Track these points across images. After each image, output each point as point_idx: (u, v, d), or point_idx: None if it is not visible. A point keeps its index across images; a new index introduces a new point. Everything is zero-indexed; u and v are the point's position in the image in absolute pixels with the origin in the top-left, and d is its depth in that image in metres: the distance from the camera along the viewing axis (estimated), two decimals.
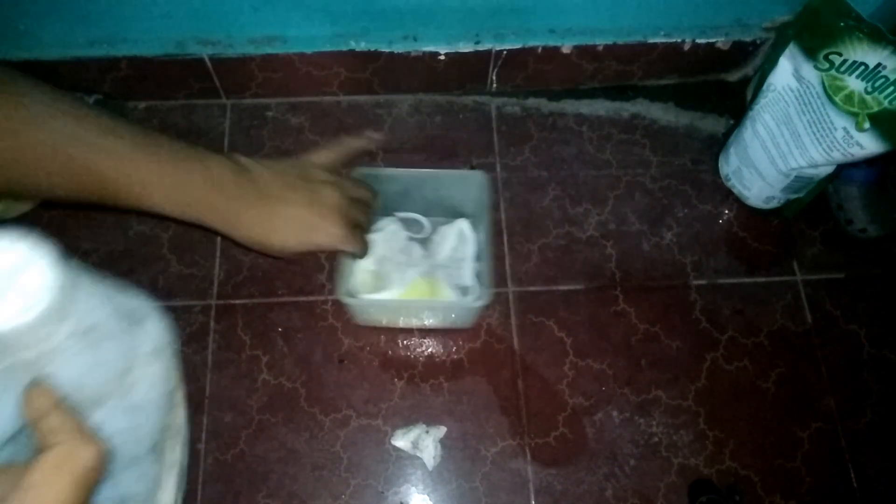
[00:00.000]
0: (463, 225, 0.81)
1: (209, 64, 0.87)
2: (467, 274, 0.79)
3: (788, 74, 0.76)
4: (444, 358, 0.81)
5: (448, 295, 0.75)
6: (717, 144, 0.94)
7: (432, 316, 0.78)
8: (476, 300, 0.72)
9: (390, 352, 0.81)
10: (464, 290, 0.79)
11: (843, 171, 0.83)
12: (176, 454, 0.37)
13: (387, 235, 0.81)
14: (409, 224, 0.84)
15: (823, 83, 0.71)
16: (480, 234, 0.79)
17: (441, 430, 0.77)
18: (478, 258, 0.80)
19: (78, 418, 0.27)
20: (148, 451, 0.33)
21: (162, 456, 0.36)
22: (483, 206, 0.75)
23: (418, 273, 0.75)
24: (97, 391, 0.30)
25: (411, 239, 0.84)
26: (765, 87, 0.79)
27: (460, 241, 0.81)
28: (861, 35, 0.65)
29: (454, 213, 0.83)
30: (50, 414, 0.26)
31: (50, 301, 0.26)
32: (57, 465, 0.25)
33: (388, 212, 0.84)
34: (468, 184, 0.76)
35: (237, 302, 0.83)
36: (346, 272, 0.73)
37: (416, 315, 0.79)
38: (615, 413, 0.79)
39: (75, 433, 0.26)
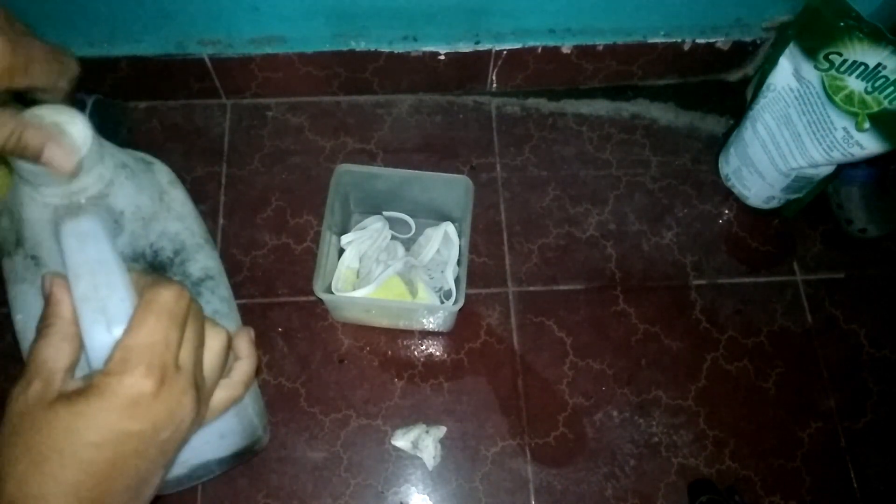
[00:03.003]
0: (448, 228, 0.81)
1: (209, 64, 0.87)
2: (449, 277, 0.79)
3: (788, 74, 0.76)
4: (444, 358, 0.81)
5: (428, 297, 0.75)
6: (717, 144, 0.94)
7: (407, 317, 0.78)
8: (453, 304, 0.71)
9: (390, 352, 0.81)
10: (446, 294, 0.79)
11: (843, 171, 0.82)
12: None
13: (371, 233, 0.81)
14: (395, 224, 0.84)
15: (823, 83, 0.71)
16: (463, 238, 0.79)
17: (441, 430, 0.77)
18: (458, 262, 0.80)
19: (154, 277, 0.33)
20: (205, 241, 0.40)
21: (216, 251, 0.43)
22: (468, 210, 0.75)
23: (394, 272, 0.75)
24: (150, 209, 0.38)
25: (395, 238, 0.84)
26: (765, 87, 0.79)
27: (445, 243, 0.81)
28: (861, 35, 0.65)
29: (440, 216, 0.83)
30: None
31: (92, 140, 0.34)
32: (146, 305, 0.29)
33: (375, 210, 0.84)
34: (455, 188, 0.76)
35: (237, 302, 0.82)
36: (325, 268, 0.73)
37: (391, 315, 0.79)
38: (615, 413, 0.79)
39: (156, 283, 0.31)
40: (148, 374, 0.28)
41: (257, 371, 0.39)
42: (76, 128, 0.35)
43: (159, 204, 0.39)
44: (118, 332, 0.30)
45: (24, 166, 0.34)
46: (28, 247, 0.36)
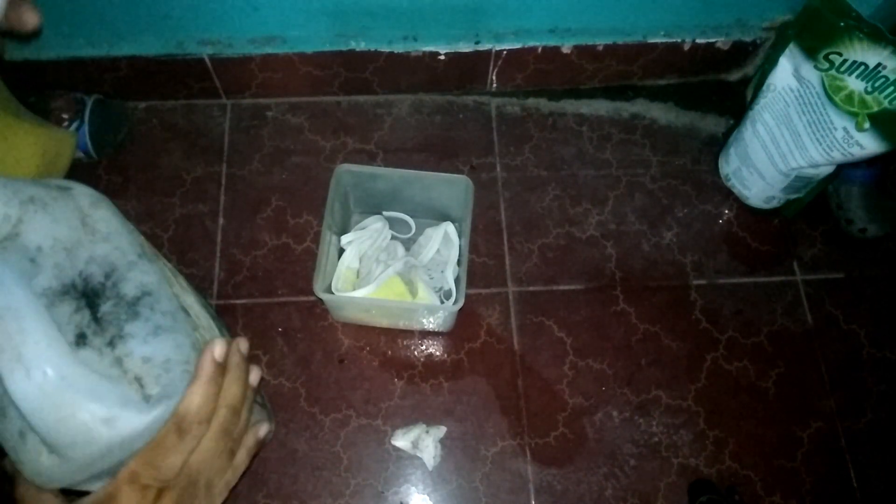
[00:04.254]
0: (448, 228, 0.81)
1: (209, 64, 0.87)
2: (449, 277, 0.79)
3: (788, 74, 0.76)
4: (444, 358, 0.81)
5: (428, 297, 0.75)
6: (717, 144, 0.94)
7: (407, 317, 0.78)
8: (453, 304, 0.71)
9: (390, 352, 0.81)
10: (446, 294, 0.79)
11: (843, 171, 0.83)
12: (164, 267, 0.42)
13: (371, 233, 0.81)
14: (395, 224, 0.84)
15: (823, 83, 0.71)
16: (463, 238, 0.79)
17: (441, 430, 0.77)
18: (458, 262, 0.80)
19: None
20: (138, 257, 0.39)
21: (155, 264, 0.41)
22: (468, 210, 0.75)
23: (394, 272, 0.75)
24: (71, 238, 0.37)
25: (395, 238, 0.84)
26: (765, 87, 0.79)
27: (445, 243, 0.81)
28: (861, 35, 0.65)
29: (441, 216, 0.83)
30: None
31: None
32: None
33: (375, 210, 0.84)
34: (455, 188, 0.76)
35: (237, 302, 0.83)
36: (325, 268, 0.73)
37: (391, 315, 0.79)
38: (615, 413, 0.79)
39: None
40: (148, 491, 0.36)
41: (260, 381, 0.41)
42: None
43: (81, 230, 0.38)
44: (37, 376, 0.31)
45: None
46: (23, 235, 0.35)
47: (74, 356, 0.33)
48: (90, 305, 0.36)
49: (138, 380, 0.35)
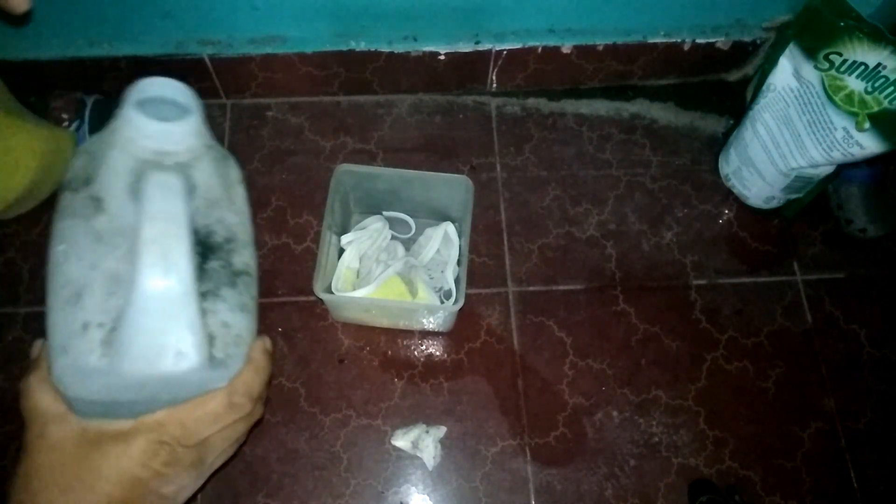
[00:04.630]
0: (448, 228, 0.81)
1: (209, 64, 0.87)
2: (449, 277, 0.79)
3: (788, 74, 0.76)
4: (444, 358, 0.81)
5: (428, 297, 0.75)
6: (717, 144, 0.94)
7: (407, 317, 0.78)
8: (453, 304, 0.71)
9: (390, 352, 0.81)
10: (446, 294, 0.79)
11: (843, 171, 0.83)
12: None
13: (371, 233, 0.81)
14: (395, 223, 0.84)
15: (823, 83, 0.71)
16: (463, 238, 0.79)
17: (441, 430, 0.77)
18: (458, 262, 0.80)
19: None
20: (250, 241, 0.43)
21: (255, 256, 0.44)
22: (468, 210, 0.75)
23: (394, 272, 0.75)
24: (217, 195, 0.41)
25: (395, 238, 0.84)
26: (765, 87, 0.79)
27: (445, 243, 0.81)
28: (861, 35, 0.65)
29: (441, 216, 0.83)
30: None
31: (198, 111, 0.40)
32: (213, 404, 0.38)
33: (375, 210, 0.84)
34: (455, 187, 0.76)
35: None
36: (325, 268, 0.73)
37: (391, 315, 0.79)
38: (615, 413, 0.79)
39: None
40: (163, 448, 0.36)
41: (270, 379, 0.42)
42: (182, 95, 0.40)
43: (225, 194, 0.42)
44: (171, 279, 0.34)
45: (149, 124, 0.38)
46: (95, 188, 0.38)
47: (197, 282, 0.36)
48: (202, 255, 0.39)
49: (212, 338, 0.37)
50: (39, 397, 0.36)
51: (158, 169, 0.37)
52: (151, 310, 0.34)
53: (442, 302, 0.78)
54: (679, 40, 0.90)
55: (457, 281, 0.78)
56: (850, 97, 0.68)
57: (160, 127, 0.38)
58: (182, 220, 0.35)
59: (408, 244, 0.84)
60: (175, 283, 0.34)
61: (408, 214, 0.85)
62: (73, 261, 0.37)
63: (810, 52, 0.71)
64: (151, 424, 0.36)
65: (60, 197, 0.39)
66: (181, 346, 0.35)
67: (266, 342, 0.41)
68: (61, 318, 0.36)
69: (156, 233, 0.34)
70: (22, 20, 0.50)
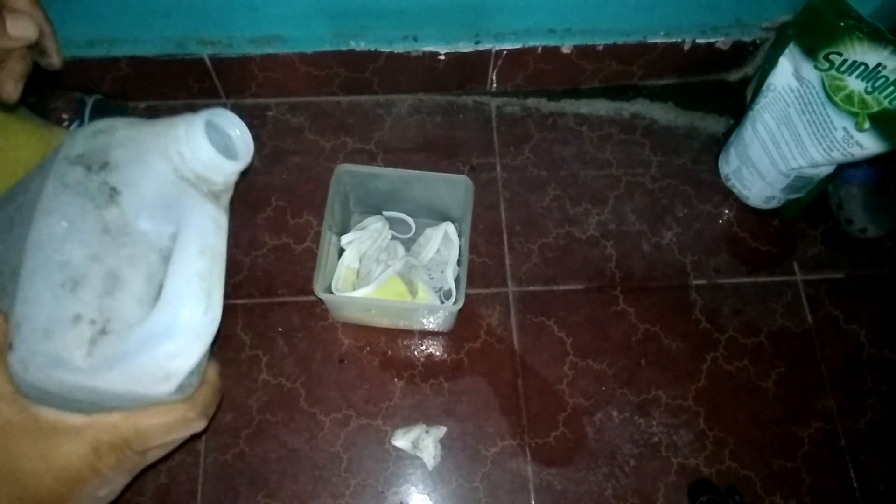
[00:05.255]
0: (448, 228, 0.81)
1: (209, 64, 0.87)
2: (449, 277, 0.79)
3: (788, 74, 0.76)
4: (444, 358, 0.81)
5: (428, 297, 0.75)
6: (717, 144, 0.94)
7: (407, 317, 0.78)
8: (453, 304, 0.71)
9: (390, 352, 0.81)
10: (446, 294, 0.79)
11: (843, 171, 0.83)
12: None
13: (371, 233, 0.81)
14: (395, 224, 0.84)
15: (823, 83, 0.71)
16: (463, 238, 0.79)
17: (441, 430, 0.77)
18: (458, 262, 0.80)
19: None
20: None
21: None
22: (468, 210, 0.75)
23: (395, 272, 0.75)
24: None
25: (395, 238, 0.84)
26: (765, 87, 0.79)
27: (445, 243, 0.81)
28: (861, 35, 0.65)
29: (441, 216, 0.83)
30: None
31: (251, 156, 0.40)
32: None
33: (375, 210, 0.84)
34: (455, 188, 0.76)
35: (237, 302, 0.83)
36: (325, 268, 0.73)
37: (391, 315, 0.79)
38: (615, 413, 0.79)
39: None
40: (113, 451, 0.35)
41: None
42: (243, 140, 0.40)
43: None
44: (208, 318, 0.34)
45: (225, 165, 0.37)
46: (115, 178, 0.36)
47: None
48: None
49: None
50: None
51: (209, 200, 0.37)
52: (170, 336, 0.34)
53: (442, 302, 0.78)
54: (679, 40, 0.90)
55: (457, 281, 0.78)
56: (850, 97, 0.68)
57: (219, 160, 0.37)
58: (224, 260, 0.36)
59: (408, 244, 0.84)
60: (209, 321, 0.34)
61: (408, 214, 0.85)
62: (76, 245, 0.35)
63: (810, 52, 0.71)
64: (106, 425, 0.35)
65: (63, 166, 0.37)
66: (176, 372, 0.35)
67: (217, 365, 0.40)
68: (51, 300, 0.34)
69: (204, 268, 0.34)
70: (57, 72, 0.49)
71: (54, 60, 0.43)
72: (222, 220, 0.37)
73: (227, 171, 0.39)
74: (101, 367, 0.34)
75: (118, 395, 0.35)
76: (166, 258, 0.37)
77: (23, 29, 0.42)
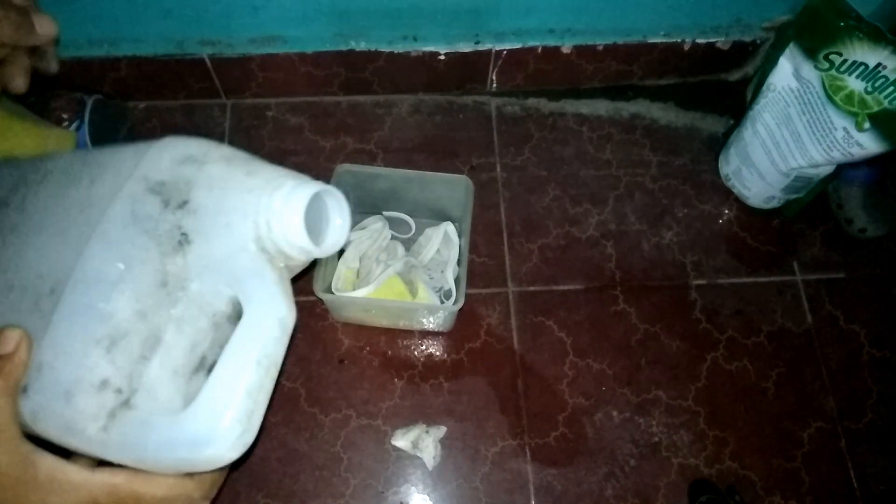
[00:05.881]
0: (448, 228, 0.81)
1: (209, 64, 0.87)
2: (449, 277, 0.79)
3: (788, 74, 0.76)
4: (444, 358, 0.81)
5: (428, 297, 0.75)
6: (717, 144, 0.94)
7: (407, 317, 0.78)
8: (453, 304, 0.71)
9: (390, 352, 0.81)
10: (446, 294, 0.79)
11: (843, 171, 0.83)
12: None
13: (371, 233, 0.81)
14: (395, 223, 0.84)
15: (823, 83, 0.71)
16: (463, 238, 0.79)
17: (441, 430, 0.77)
18: (458, 262, 0.80)
19: None
20: None
21: None
22: (468, 210, 0.75)
23: (394, 272, 0.75)
24: None
25: (395, 238, 0.84)
26: (765, 87, 0.79)
27: (445, 243, 0.81)
28: (861, 35, 0.65)
29: (441, 216, 0.83)
30: None
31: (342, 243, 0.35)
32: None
33: (375, 210, 0.84)
34: (455, 188, 0.76)
35: None
36: (326, 268, 0.72)
37: (391, 315, 0.79)
38: (615, 413, 0.79)
39: None
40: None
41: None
42: (341, 230, 0.35)
43: None
44: (244, 440, 0.29)
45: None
46: (189, 223, 0.31)
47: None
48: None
49: None
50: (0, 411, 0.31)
51: (282, 290, 0.31)
52: (195, 447, 0.29)
53: (442, 302, 0.78)
54: (679, 40, 0.90)
55: (457, 281, 0.78)
56: (850, 97, 0.68)
57: (309, 246, 0.32)
58: (277, 372, 0.31)
59: (408, 244, 0.84)
60: (243, 444, 0.29)
61: (408, 214, 0.85)
62: (127, 296, 0.30)
63: (810, 52, 0.71)
64: (105, 486, 0.32)
65: (140, 190, 0.32)
66: (189, 472, 0.32)
67: None
68: (82, 356, 0.30)
69: (255, 382, 0.30)
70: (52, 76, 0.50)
71: (52, 65, 0.44)
72: (289, 322, 0.31)
73: (311, 255, 0.33)
74: (113, 445, 0.30)
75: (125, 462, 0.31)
76: (218, 325, 0.32)
77: (49, 27, 0.44)
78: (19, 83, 0.42)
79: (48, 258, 0.32)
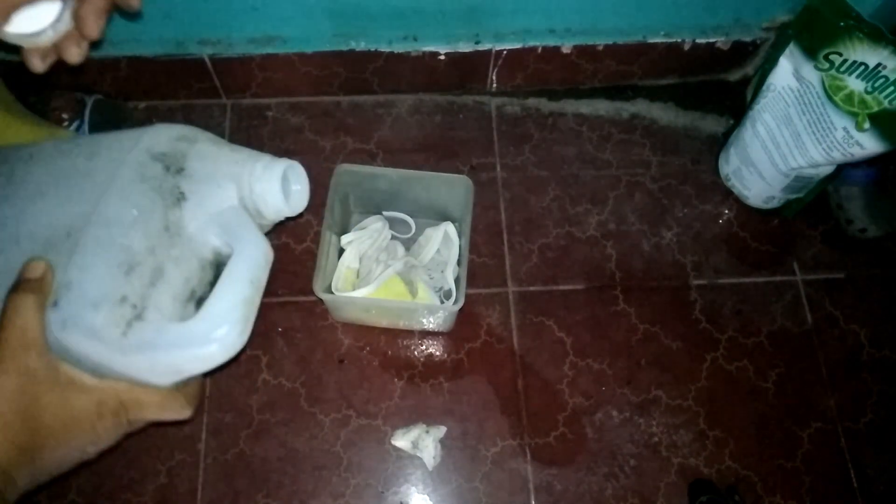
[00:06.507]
0: (448, 228, 0.81)
1: (209, 64, 0.87)
2: (449, 277, 0.79)
3: (788, 74, 0.76)
4: (444, 358, 0.81)
5: (428, 297, 0.75)
6: (717, 144, 0.94)
7: (407, 317, 0.78)
8: (453, 304, 0.71)
9: (390, 352, 0.81)
10: (446, 294, 0.79)
11: (843, 171, 0.82)
12: None
13: (371, 233, 0.81)
14: (395, 223, 0.84)
15: (823, 83, 0.71)
16: (463, 238, 0.79)
17: (441, 430, 0.77)
18: (458, 262, 0.80)
19: None
20: None
21: None
22: (468, 210, 0.75)
23: (394, 272, 0.75)
24: None
25: (395, 238, 0.84)
26: (765, 87, 0.79)
27: (445, 243, 0.81)
28: (861, 35, 0.65)
29: (441, 216, 0.83)
30: None
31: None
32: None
33: (375, 210, 0.84)
34: (455, 188, 0.76)
35: None
36: (326, 268, 0.73)
37: (391, 315, 0.79)
38: (615, 413, 0.79)
39: None
40: (113, 417, 0.39)
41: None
42: (302, 194, 0.47)
43: None
44: (238, 342, 0.39)
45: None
46: (187, 185, 0.41)
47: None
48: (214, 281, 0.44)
49: None
50: (31, 322, 0.37)
51: (261, 236, 0.41)
52: (203, 344, 0.37)
53: (442, 302, 0.78)
54: (679, 40, 0.90)
55: (457, 281, 0.78)
56: (850, 97, 0.68)
57: (282, 205, 0.42)
58: (262, 292, 0.40)
59: (408, 244, 0.84)
60: (240, 342, 0.38)
61: (408, 214, 0.85)
62: (140, 234, 0.38)
63: (810, 52, 0.71)
64: (111, 392, 0.39)
65: (145, 158, 0.41)
66: (190, 372, 0.39)
67: None
68: (106, 276, 0.37)
69: (249, 296, 0.39)
70: (134, 17, 0.50)
71: (134, 2, 0.45)
72: (270, 256, 0.41)
73: (282, 214, 0.44)
74: (130, 348, 0.37)
75: (126, 376, 0.39)
76: (204, 267, 0.42)
77: None
78: (91, 25, 0.44)
79: (56, 213, 0.40)
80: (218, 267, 0.43)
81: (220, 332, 0.38)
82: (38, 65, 0.45)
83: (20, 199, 0.43)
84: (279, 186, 0.43)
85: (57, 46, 0.44)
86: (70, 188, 0.42)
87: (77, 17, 0.43)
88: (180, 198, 0.41)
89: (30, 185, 0.43)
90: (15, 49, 0.45)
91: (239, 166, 0.43)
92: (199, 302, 0.41)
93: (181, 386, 0.41)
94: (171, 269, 0.39)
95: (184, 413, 0.42)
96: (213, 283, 0.41)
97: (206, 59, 0.86)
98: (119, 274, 0.37)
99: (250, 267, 0.40)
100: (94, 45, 0.47)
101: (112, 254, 0.38)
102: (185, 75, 0.89)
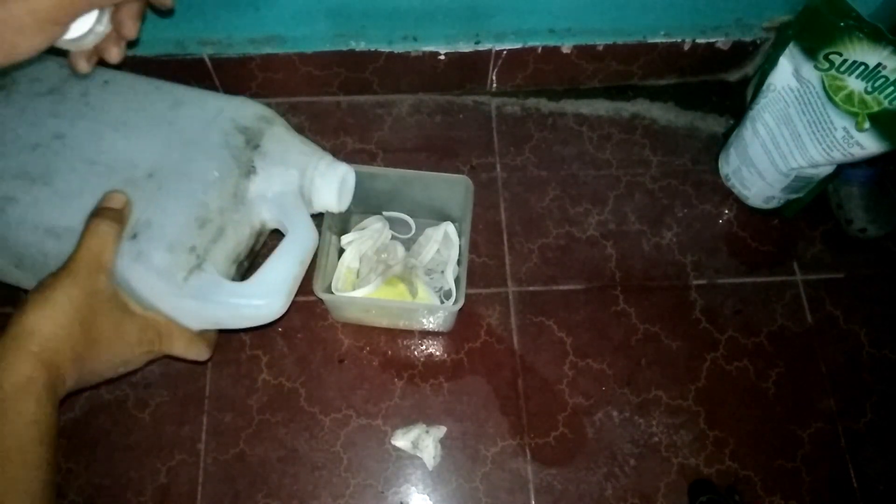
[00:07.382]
0: (448, 228, 0.81)
1: (209, 64, 0.87)
2: (449, 277, 0.79)
3: (788, 74, 0.76)
4: (444, 358, 0.81)
5: (428, 297, 0.75)
6: (717, 144, 0.94)
7: (407, 317, 0.78)
8: (453, 304, 0.71)
9: (390, 352, 0.81)
10: (446, 294, 0.79)
11: (843, 171, 0.83)
12: None
13: (371, 233, 0.81)
14: (395, 223, 0.84)
15: (823, 83, 0.71)
16: (463, 238, 0.79)
17: (441, 430, 0.77)
18: (458, 262, 0.80)
19: None
20: None
21: None
22: (468, 210, 0.75)
23: (394, 272, 0.75)
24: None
25: (395, 238, 0.84)
26: (765, 87, 0.79)
27: (445, 243, 0.81)
28: (861, 35, 0.65)
29: (441, 216, 0.83)
30: None
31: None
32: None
33: (375, 210, 0.84)
34: (455, 187, 0.76)
35: None
36: (326, 268, 0.73)
37: (391, 315, 0.79)
38: (615, 413, 0.79)
39: None
40: (150, 344, 0.46)
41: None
42: (347, 197, 0.58)
43: None
44: (277, 304, 0.46)
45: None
46: (258, 161, 0.47)
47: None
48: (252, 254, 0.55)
49: None
50: (107, 248, 0.41)
51: (312, 223, 0.49)
52: (250, 304, 0.43)
53: (442, 302, 0.78)
54: (679, 40, 0.90)
55: (457, 281, 0.78)
56: (850, 97, 0.68)
57: (334, 202, 0.52)
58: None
59: (408, 244, 0.84)
60: (279, 311, 0.44)
61: (408, 214, 0.85)
62: (217, 194, 0.43)
63: (810, 52, 0.71)
64: (153, 323, 0.44)
65: (230, 128, 0.46)
66: (224, 324, 0.45)
67: None
68: (184, 225, 0.42)
69: (298, 273, 0.45)
70: (168, 14, 0.53)
71: (168, 0, 0.47)
72: (317, 241, 0.49)
73: (329, 209, 0.53)
74: (187, 293, 0.42)
75: (170, 315, 0.44)
76: (251, 235, 0.48)
77: None
78: (129, 28, 0.46)
79: (137, 151, 0.45)
80: (258, 237, 0.49)
81: (268, 299, 0.43)
82: (84, 66, 0.47)
83: (98, 124, 0.46)
84: (337, 185, 0.50)
85: (98, 48, 0.46)
86: (152, 131, 0.46)
87: (115, 20, 0.45)
88: (251, 171, 0.46)
89: (108, 113, 0.47)
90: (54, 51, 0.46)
91: (306, 157, 0.50)
92: (240, 265, 0.48)
93: (203, 332, 0.47)
94: (230, 231, 0.45)
95: (203, 355, 0.48)
96: (252, 250, 0.48)
97: (206, 59, 0.86)
98: (194, 225, 0.42)
99: (302, 249, 0.46)
100: (131, 44, 0.48)
101: (191, 206, 0.43)
102: (185, 75, 0.89)
